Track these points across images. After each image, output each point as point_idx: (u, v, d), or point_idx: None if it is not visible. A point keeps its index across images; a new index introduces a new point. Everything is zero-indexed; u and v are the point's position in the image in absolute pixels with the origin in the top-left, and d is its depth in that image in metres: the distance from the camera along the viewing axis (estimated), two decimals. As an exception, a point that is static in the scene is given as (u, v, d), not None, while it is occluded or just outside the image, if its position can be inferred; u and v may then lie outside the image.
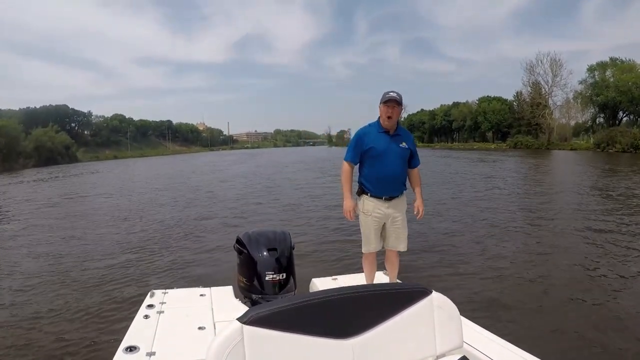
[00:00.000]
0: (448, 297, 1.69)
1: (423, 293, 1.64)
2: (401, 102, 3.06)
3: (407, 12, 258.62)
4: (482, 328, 2.34)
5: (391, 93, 3.03)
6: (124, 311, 4.34)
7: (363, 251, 3.29)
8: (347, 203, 3.19)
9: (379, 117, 3.15)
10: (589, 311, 4.43)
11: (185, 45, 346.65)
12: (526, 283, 5.38)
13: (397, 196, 3.16)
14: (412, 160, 3.23)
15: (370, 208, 3.14)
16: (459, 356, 1.60)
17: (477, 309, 4.28)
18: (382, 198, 3.12)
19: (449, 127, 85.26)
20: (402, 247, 3.25)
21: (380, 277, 3.42)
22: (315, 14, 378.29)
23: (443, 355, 1.63)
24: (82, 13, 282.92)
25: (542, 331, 3.92)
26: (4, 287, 5.40)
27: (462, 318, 1.82)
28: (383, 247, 3.32)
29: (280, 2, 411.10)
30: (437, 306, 1.64)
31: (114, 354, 2.17)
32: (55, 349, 3.70)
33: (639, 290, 5.01)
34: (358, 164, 3.23)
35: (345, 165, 3.19)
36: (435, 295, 1.65)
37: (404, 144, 3.14)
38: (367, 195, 3.16)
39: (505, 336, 2.21)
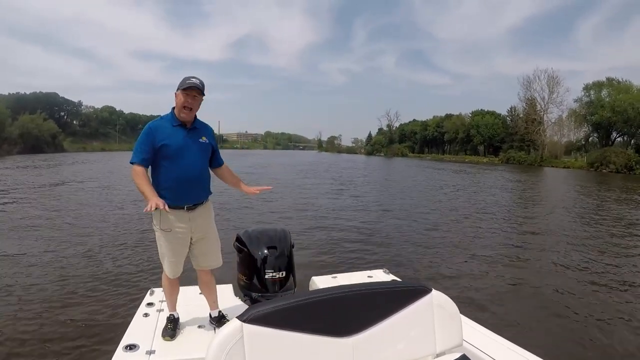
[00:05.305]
0: (448, 295, 1.72)
1: (423, 291, 1.66)
2: (204, 91, 2.56)
3: (406, 23, 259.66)
4: (481, 326, 2.38)
5: (193, 79, 2.50)
6: (124, 309, 4.28)
7: (169, 275, 2.64)
8: (154, 198, 2.31)
9: (173, 108, 2.58)
10: (587, 310, 4.60)
11: (183, 42, 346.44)
12: (526, 283, 5.55)
13: (202, 202, 2.62)
14: (215, 158, 2.74)
15: (170, 223, 2.53)
16: (459, 354, 1.62)
17: (476, 308, 4.38)
18: (183, 208, 2.52)
19: (440, 138, 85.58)
20: (217, 262, 2.76)
21: (379, 276, 3.46)
22: (315, 19, 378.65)
23: (443, 353, 1.65)
24: (81, 1, 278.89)
25: (541, 329, 4.03)
26: (1, 284, 5.19)
27: (462, 316, 1.86)
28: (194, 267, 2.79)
29: (280, 4, 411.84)
30: (437, 304, 1.66)
31: (114, 352, 2.18)
32: (54, 347, 3.60)
33: (635, 293, 5.27)
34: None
35: (137, 169, 2.43)
36: (435, 294, 1.67)
37: (204, 138, 2.63)
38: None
39: (505, 334, 2.27)
